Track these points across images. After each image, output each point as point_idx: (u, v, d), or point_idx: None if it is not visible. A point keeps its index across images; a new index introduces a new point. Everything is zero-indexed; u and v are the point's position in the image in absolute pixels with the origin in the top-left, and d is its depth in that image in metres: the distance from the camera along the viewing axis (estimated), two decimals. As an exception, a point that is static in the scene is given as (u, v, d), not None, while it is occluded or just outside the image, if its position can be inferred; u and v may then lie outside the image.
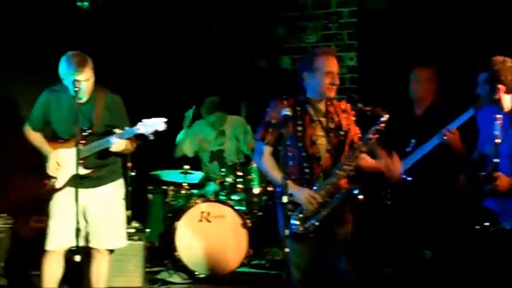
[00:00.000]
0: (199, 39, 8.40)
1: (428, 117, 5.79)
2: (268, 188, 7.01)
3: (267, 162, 4.85)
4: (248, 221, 6.84)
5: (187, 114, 7.33)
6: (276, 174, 4.77)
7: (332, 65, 4.78)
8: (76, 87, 5.03)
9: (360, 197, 4.69)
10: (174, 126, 6.17)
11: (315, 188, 4.71)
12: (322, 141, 4.78)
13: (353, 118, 4.93)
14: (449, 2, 7.03)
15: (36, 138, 5.45)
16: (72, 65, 5.11)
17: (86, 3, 7.56)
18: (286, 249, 4.42)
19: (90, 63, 5.20)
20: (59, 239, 5.27)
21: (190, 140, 7.57)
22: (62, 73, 5.17)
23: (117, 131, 5.21)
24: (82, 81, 5.10)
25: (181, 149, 7.55)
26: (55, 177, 5.31)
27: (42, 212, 5.47)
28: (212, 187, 7.30)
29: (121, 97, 5.45)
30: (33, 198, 5.89)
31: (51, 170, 5.34)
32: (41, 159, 5.39)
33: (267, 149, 4.84)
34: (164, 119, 5.17)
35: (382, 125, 4.71)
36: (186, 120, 7.33)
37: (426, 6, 7.15)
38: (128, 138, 5.24)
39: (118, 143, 5.18)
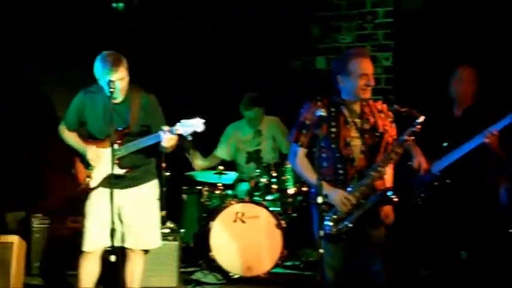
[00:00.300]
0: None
1: (467, 119, 5.74)
2: (303, 189, 6.98)
3: (301, 163, 4.85)
4: (282, 222, 6.81)
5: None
6: (310, 175, 4.76)
7: (366, 66, 4.74)
8: (111, 88, 5.03)
9: (395, 199, 4.67)
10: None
11: (349, 189, 4.69)
12: (356, 143, 4.75)
13: (390, 119, 4.89)
14: (486, 0, 6.96)
15: (71, 137, 5.48)
16: (107, 64, 5.11)
17: (121, 4, 7.57)
18: (321, 250, 4.41)
19: (125, 63, 5.20)
20: (96, 239, 5.28)
21: (226, 144, 7.55)
22: (98, 73, 5.18)
23: (165, 128, 5.17)
24: (116, 80, 5.10)
25: (217, 157, 7.54)
26: (94, 167, 5.33)
27: (78, 212, 5.50)
28: (244, 187, 7.30)
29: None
30: (70, 198, 5.93)
31: (92, 160, 5.34)
32: (77, 159, 5.44)
33: (301, 151, 4.83)
34: (203, 120, 5.13)
35: (418, 126, 4.67)
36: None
37: (462, 5, 7.08)
38: None
39: (168, 138, 5.15)
